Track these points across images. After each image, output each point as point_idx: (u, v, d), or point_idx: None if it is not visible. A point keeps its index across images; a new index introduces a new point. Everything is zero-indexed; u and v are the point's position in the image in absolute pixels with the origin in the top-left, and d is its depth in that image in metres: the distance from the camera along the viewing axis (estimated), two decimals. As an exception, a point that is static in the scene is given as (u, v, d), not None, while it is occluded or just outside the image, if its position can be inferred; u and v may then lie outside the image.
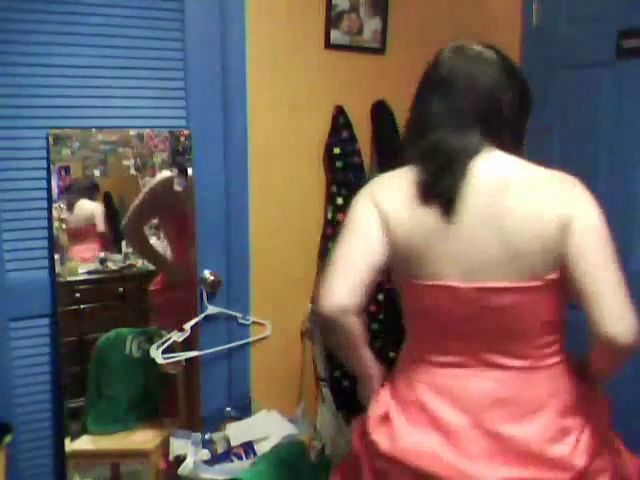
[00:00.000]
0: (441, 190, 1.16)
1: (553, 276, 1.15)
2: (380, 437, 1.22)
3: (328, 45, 2.23)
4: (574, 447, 1.15)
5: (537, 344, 1.19)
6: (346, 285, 1.15)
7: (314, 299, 2.33)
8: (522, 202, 1.14)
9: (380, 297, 2.27)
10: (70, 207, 1.93)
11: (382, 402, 1.27)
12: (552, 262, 1.14)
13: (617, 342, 1.09)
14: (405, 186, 1.21)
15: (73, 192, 1.92)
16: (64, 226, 1.91)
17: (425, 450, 1.17)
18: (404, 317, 1.31)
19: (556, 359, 1.21)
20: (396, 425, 1.21)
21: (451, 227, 1.16)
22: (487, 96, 1.20)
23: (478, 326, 1.18)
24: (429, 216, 1.17)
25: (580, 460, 1.14)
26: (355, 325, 1.18)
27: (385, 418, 1.24)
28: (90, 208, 1.98)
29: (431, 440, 1.18)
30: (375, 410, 1.26)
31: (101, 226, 1.99)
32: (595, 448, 1.17)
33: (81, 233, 1.97)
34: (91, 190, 1.97)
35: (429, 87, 1.25)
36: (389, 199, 1.21)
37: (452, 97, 1.21)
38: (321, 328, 1.23)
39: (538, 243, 1.13)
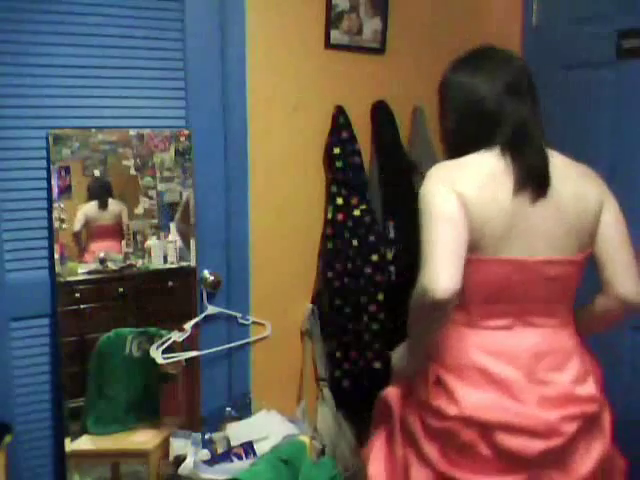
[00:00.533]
0: (539, 174, 1.32)
1: (589, 251, 1.39)
2: (442, 402, 1.35)
3: (328, 45, 2.23)
4: (594, 383, 1.39)
5: (566, 306, 1.42)
6: (452, 272, 1.23)
7: (314, 298, 2.33)
8: (573, 184, 1.36)
9: (380, 297, 2.27)
10: (104, 205, 1.97)
11: (435, 370, 1.39)
12: (589, 238, 1.38)
13: (630, 301, 1.37)
14: (482, 171, 1.33)
15: (97, 192, 1.96)
16: (63, 225, 1.91)
17: (490, 405, 1.32)
18: None
19: (572, 318, 1.44)
20: (454, 389, 1.34)
21: (529, 207, 1.32)
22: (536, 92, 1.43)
23: (531, 293, 1.36)
24: (512, 197, 1.30)
25: (599, 392, 1.39)
26: (454, 306, 1.29)
27: (439, 384, 1.37)
28: (119, 207, 2.00)
29: (491, 397, 1.32)
30: (431, 378, 1.39)
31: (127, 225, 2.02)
32: (599, 381, 1.42)
33: (108, 231, 1.99)
34: (108, 190, 1.98)
35: (500, 88, 1.36)
36: (467, 185, 1.30)
37: (524, 92, 1.39)
38: (422, 313, 1.31)
39: (585, 220, 1.36)
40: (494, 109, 1.35)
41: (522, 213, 1.31)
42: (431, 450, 1.37)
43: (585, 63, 2.12)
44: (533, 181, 1.31)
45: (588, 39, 2.09)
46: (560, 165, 1.37)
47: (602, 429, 1.41)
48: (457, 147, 1.40)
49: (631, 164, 1.96)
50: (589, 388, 1.38)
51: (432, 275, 1.23)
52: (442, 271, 1.23)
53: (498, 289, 1.35)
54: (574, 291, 1.42)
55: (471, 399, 1.32)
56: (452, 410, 1.33)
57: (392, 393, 1.53)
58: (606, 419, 1.43)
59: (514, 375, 1.33)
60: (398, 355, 1.54)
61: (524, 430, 1.30)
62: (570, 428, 1.32)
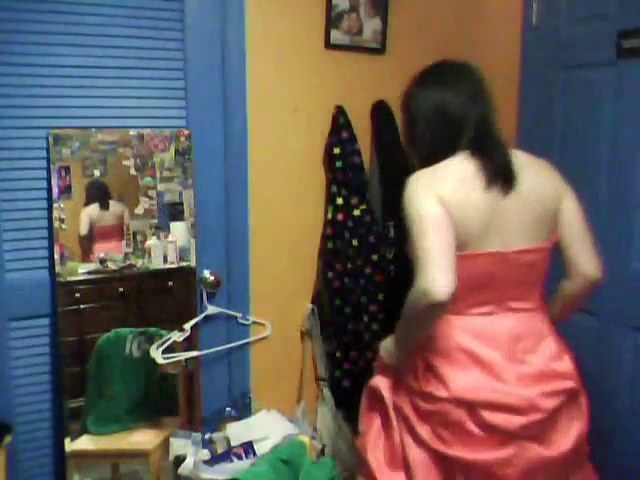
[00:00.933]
0: (505, 169, 1.43)
1: (554, 238, 1.51)
2: (433, 387, 1.45)
3: (328, 45, 2.23)
4: (570, 363, 1.50)
5: (539, 290, 1.54)
6: (448, 274, 1.32)
7: (314, 298, 2.33)
8: (535, 177, 1.48)
9: (380, 297, 2.27)
10: (105, 206, 1.98)
11: (425, 357, 1.49)
12: (553, 226, 1.51)
13: (591, 275, 1.52)
14: (455, 174, 1.44)
15: (95, 194, 1.96)
16: (63, 225, 1.91)
17: (477, 386, 1.42)
18: None
19: (544, 302, 1.56)
20: (444, 374, 1.44)
21: (500, 203, 1.43)
22: None
23: (508, 280, 1.47)
24: (484, 196, 1.42)
25: (576, 373, 1.50)
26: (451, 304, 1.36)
27: (429, 369, 1.47)
28: (121, 208, 2.00)
29: (477, 378, 1.43)
30: (421, 365, 1.49)
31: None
32: (574, 362, 1.52)
33: (111, 231, 1.99)
34: (106, 191, 1.98)
35: (464, 97, 1.48)
36: (445, 189, 1.41)
37: (485, 99, 1.50)
38: (420, 314, 1.39)
39: (549, 209, 1.49)
40: (461, 116, 1.47)
41: (495, 209, 1.42)
42: (424, 431, 1.46)
43: (585, 63, 2.11)
44: (500, 177, 1.43)
45: (588, 39, 2.09)
46: (521, 161, 1.48)
47: (580, 408, 1.51)
48: (430, 155, 1.50)
49: (631, 164, 1.96)
50: (565, 365, 1.49)
51: (430, 279, 1.31)
52: (439, 274, 1.31)
53: (480, 280, 1.46)
54: (546, 275, 1.54)
55: (460, 382, 1.42)
56: (443, 393, 1.43)
57: (382, 383, 1.61)
58: (583, 400, 1.53)
59: (496, 356, 1.44)
60: (385, 347, 1.63)
61: (506, 407, 1.40)
62: (549, 404, 1.42)
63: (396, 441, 1.52)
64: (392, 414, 1.55)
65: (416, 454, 1.47)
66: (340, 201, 2.25)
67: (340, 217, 2.25)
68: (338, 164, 2.24)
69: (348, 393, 2.30)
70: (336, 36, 2.23)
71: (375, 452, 1.57)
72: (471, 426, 1.41)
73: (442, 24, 2.41)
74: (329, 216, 2.27)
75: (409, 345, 1.52)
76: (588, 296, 1.59)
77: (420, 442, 1.47)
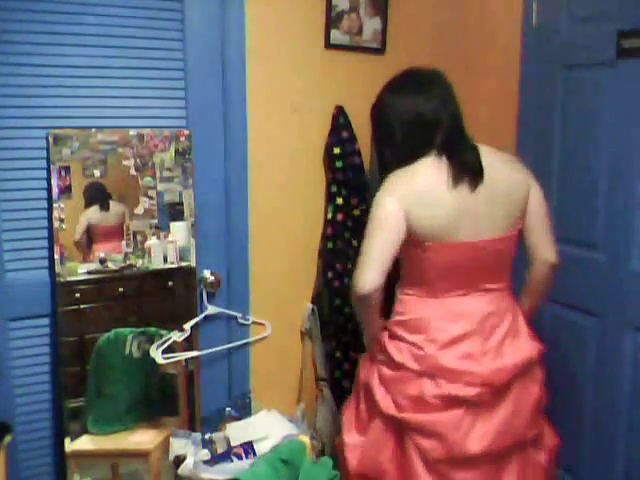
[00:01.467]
0: (473, 166, 1.57)
1: (520, 226, 1.68)
2: (405, 359, 1.62)
3: (328, 45, 2.23)
4: (526, 341, 1.67)
5: (507, 272, 1.71)
6: (378, 271, 1.54)
7: (314, 298, 2.33)
8: (503, 171, 1.63)
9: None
10: (105, 207, 1.99)
11: (397, 330, 1.67)
12: (520, 217, 1.67)
13: (551, 261, 1.70)
14: (425, 174, 1.58)
15: (94, 196, 1.97)
16: (63, 225, 1.91)
17: (443, 363, 1.58)
18: (417, 273, 1.66)
19: (510, 283, 1.73)
20: (421, 348, 1.60)
21: (469, 198, 1.57)
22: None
23: (480, 265, 1.63)
24: (453, 193, 1.55)
25: (533, 350, 1.67)
26: (379, 298, 1.59)
27: (409, 344, 1.63)
28: (122, 208, 2.01)
29: (445, 354, 1.59)
30: (386, 338, 1.69)
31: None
32: (535, 343, 1.70)
33: (112, 232, 2.00)
34: (104, 191, 1.99)
35: (436, 101, 1.61)
36: (414, 189, 1.56)
37: (454, 103, 1.64)
38: (354, 303, 1.66)
39: (516, 200, 1.64)
40: (434, 119, 1.60)
41: (463, 204, 1.57)
42: (381, 396, 1.64)
43: (585, 63, 2.11)
44: (468, 174, 1.56)
45: (588, 39, 2.09)
46: (490, 158, 1.61)
47: (535, 381, 1.67)
48: (403, 157, 1.63)
49: (631, 164, 1.96)
50: (518, 343, 1.66)
51: (359, 275, 1.56)
52: (367, 273, 1.54)
53: (453, 267, 1.62)
54: (512, 259, 1.71)
55: (430, 358, 1.59)
56: (413, 365, 1.60)
57: (362, 359, 1.83)
58: (538, 373, 1.69)
59: (466, 332, 1.61)
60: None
61: (464, 381, 1.57)
62: (500, 378, 1.58)
63: (361, 408, 1.74)
64: (360, 384, 1.76)
65: (373, 418, 1.67)
66: (340, 201, 2.25)
67: (340, 217, 2.26)
68: (338, 164, 2.24)
69: (348, 393, 2.30)
70: (336, 36, 2.23)
71: (349, 416, 1.78)
72: (427, 395, 1.57)
73: (442, 24, 2.42)
74: (329, 216, 2.27)
75: (364, 324, 1.73)
76: (549, 280, 1.75)
77: (376, 407, 1.65)
